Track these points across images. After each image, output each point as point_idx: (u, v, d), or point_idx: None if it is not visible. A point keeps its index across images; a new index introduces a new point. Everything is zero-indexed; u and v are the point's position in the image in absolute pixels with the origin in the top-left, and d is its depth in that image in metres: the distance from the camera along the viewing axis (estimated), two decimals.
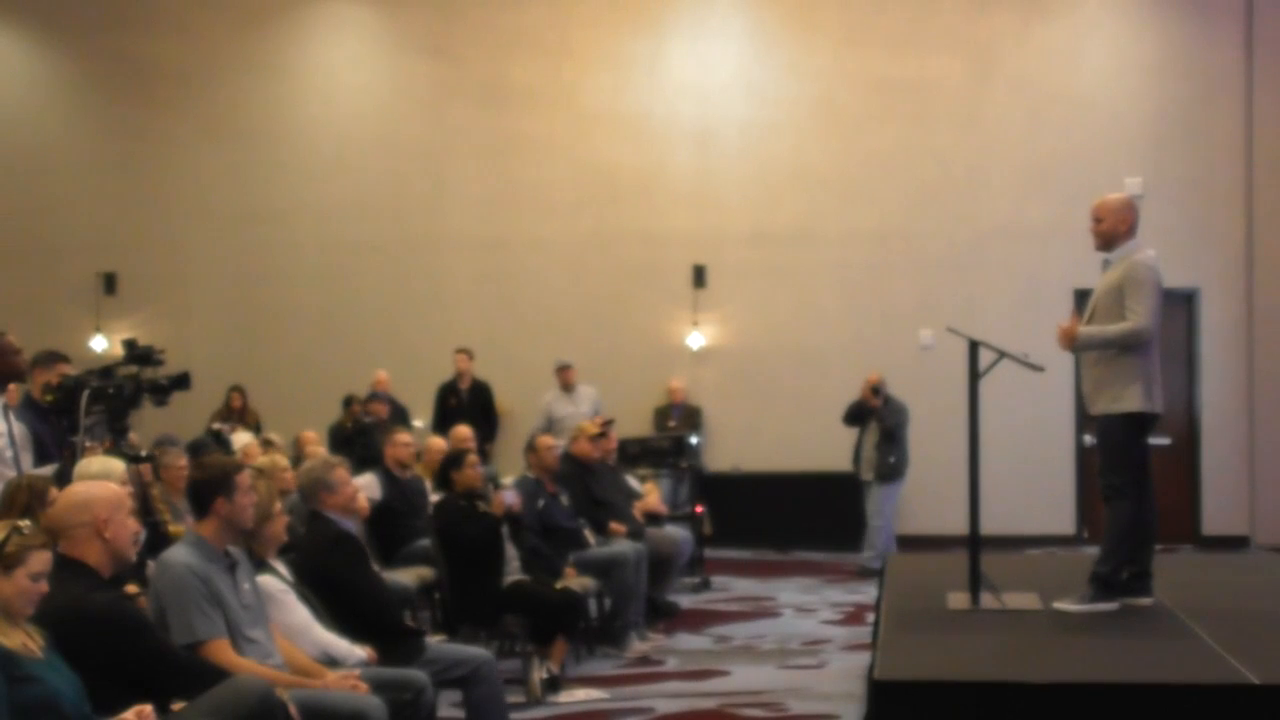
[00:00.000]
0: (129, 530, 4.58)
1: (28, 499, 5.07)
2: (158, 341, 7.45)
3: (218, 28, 15.57)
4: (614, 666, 8.65)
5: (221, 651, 4.87)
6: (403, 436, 9.55)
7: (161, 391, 6.57)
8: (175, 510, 6.90)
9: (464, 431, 10.64)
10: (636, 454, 12.32)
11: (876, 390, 12.51)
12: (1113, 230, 6.72)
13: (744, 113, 15.00)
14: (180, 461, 7.40)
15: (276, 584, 5.52)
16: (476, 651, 6.22)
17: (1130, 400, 6.52)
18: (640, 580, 9.33)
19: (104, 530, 4.46)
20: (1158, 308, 6.51)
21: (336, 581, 5.97)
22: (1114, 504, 6.64)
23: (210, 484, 5.17)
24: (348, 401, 13.55)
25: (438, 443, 10.26)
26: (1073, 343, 6.65)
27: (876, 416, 12.55)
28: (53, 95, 15.99)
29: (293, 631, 5.41)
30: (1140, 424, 6.60)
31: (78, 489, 4.65)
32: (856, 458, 12.75)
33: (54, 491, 5.07)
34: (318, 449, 9.87)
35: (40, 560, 4.05)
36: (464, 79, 15.33)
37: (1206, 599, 6.97)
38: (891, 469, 12.56)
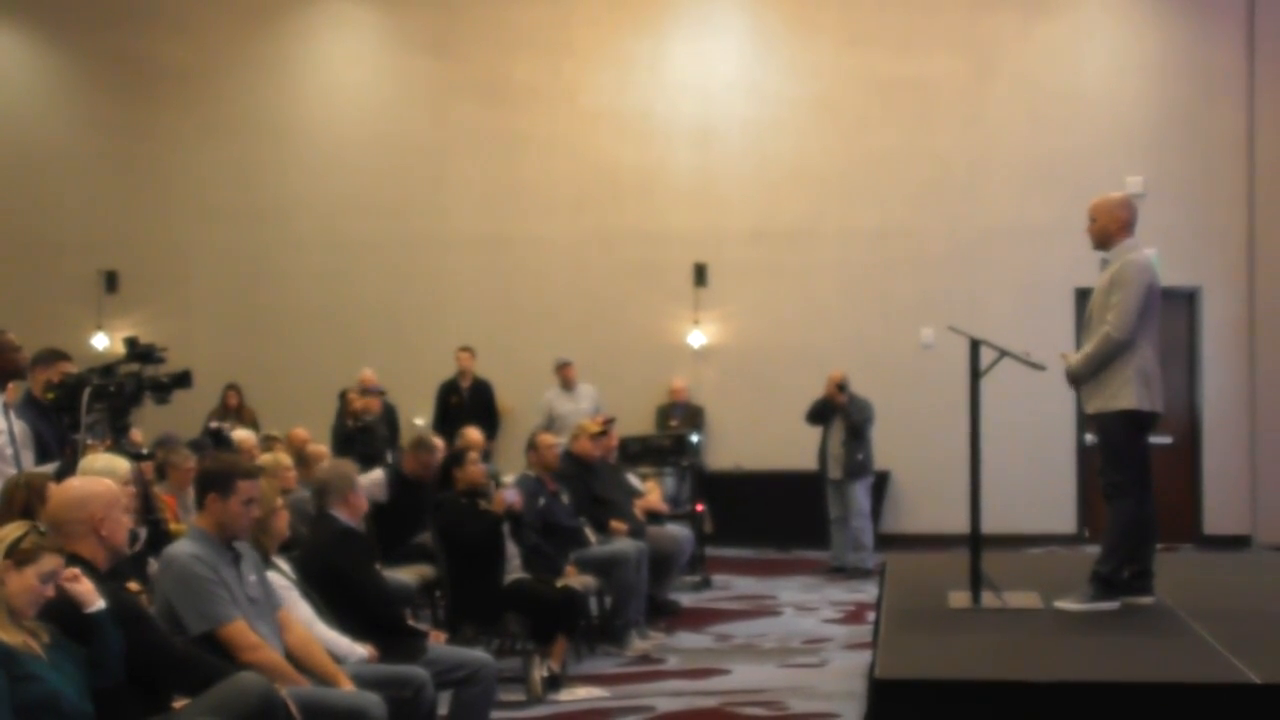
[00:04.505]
0: (124, 527, 4.60)
1: (26, 497, 5.07)
2: (159, 339, 7.43)
3: (219, 26, 15.57)
4: (615, 665, 8.66)
5: (242, 634, 4.88)
6: (425, 456, 9.33)
7: (163, 390, 6.57)
8: (184, 506, 6.89)
9: (474, 436, 10.43)
10: (637, 452, 12.31)
11: (842, 387, 12.49)
12: (1106, 229, 6.71)
13: (745, 111, 14.99)
14: (189, 463, 7.40)
15: (280, 580, 5.53)
16: (477, 655, 6.23)
17: (1125, 398, 6.51)
18: (641, 579, 9.33)
19: (100, 528, 4.48)
20: (1142, 308, 6.48)
21: (340, 578, 5.99)
22: (1115, 503, 6.64)
23: (207, 478, 5.21)
24: (343, 395, 13.54)
25: (435, 442, 10.16)
26: (1073, 378, 6.69)
27: (842, 414, 12.53)
28: (54, 93, 15.99)
29: None
30: (1140, 422, 6.59)
31: (74, 485, 4.66)
32: (822, 456, 12.72)
33: (52, 489, 5.06)
34: (319, 448, 9.84)
35: (51, 562, 4.07)
36: (465, 77, 15.32)
37: (1208, 598, 6.97)
38: (860, 466, 12.53)
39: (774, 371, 14.69)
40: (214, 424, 10.70)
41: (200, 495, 5.20)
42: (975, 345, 6.79)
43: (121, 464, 5.62)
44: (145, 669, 4.37)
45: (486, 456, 11.91)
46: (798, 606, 10.87)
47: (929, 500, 14.17)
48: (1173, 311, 13.08)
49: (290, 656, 5.09)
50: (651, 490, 11.08)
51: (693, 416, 14.60)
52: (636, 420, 13.96)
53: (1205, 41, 14.48)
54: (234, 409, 14.19)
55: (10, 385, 7.20)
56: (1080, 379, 6.67)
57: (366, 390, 13.23)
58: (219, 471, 5.22)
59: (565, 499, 9.43)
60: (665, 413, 14.67)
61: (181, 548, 5.06)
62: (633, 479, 11.00)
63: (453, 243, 15.23)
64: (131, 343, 6.77)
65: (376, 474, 9.06)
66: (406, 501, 9.08)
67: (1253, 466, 14.32)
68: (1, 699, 3.84)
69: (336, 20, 15.61)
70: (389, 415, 13.48)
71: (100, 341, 15.26)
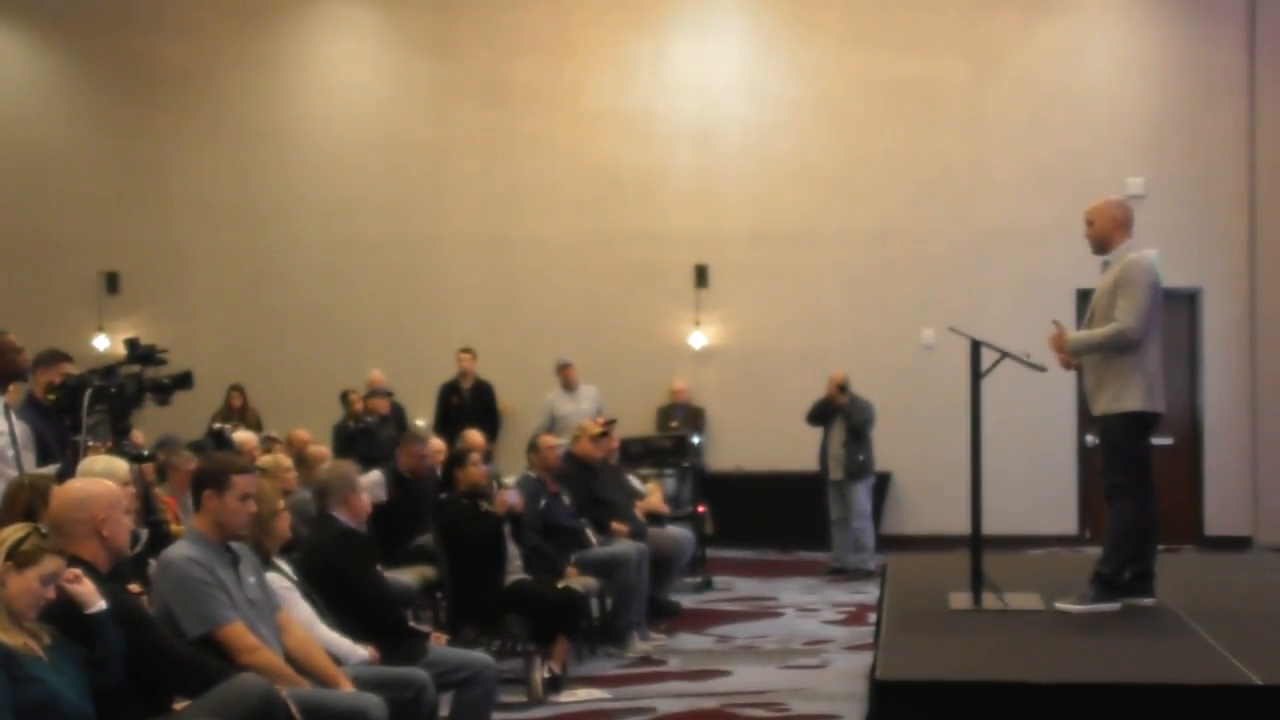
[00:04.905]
0: (126, 528, 4.59)
1: (30, 498, 5.07)
2: (160, 340, 7.44)
3: (220, 27, 15.57)
4: (616, 666, 8.66)
5: (240, 635, 4.87)
6: (416, 448, 9.40)
7: (164, 391, 6.57)
8: (185, 508, 6.89)
9: (475, 438, 10.46)
10: (638, 453, 12.32)
11: (843, 388, 12.49)
12: (1104, 231, 6.71)
13: (746, 112, 14.99)
14: (190, 465, 7.40)
15: (281, 581, 5.53)
16: (478, 656, 6.23)
17: (1130, 400, 6.51)
18: (642, 580, 9.33)
19: (102, 529, 4.48)
20: (1149, 307, 6.48)
21: (341, 579, 5.99)
22: (1117, 504, 6.64)
23: (203, 476, 5.20)
24: (344, 396, 13.57)
25: (437, 443, 10.22)
26: (1064, 351, 6.67)
27: (843, 415, 12.53)
28: (55, 94, 16.00)
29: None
30: (1142, 423, 6.59)
31: (75, 487, 4.66)
32: (823, 457, 12.73)
33: (54, 490, 5.06)
34: (320, 449, 9.84)
35: (52, 564, 4.07)
36: (466, 78, 15.33)
37: (1209, 599, 6.97)
38: (861, 467, 12.53)
39: (775, 372, 14.69)
40: (217, 425, 10.72)
41: (196, 494, 5.17)
42: (976, 346, 6.80)
43: (120, 465, 5.62)
44: (146, 670, 4.37)
45: (488, 458, 11.91)
46: (799, 608, 10.87)
47: (930, 501, 14.17)
48: (1174, 312, 13.06)
49: (290, 658, 5.09)
50: (652, 491, 11.07)
51: (693, 418, 14.60)
52: (637, 421, 13.96)
53: (1206, 42, 14.48)
54: (238, 410, 14.21)
55: (11, 386, 7.20)
56: (1072, 354, 6.65)
57: (375, 392, 13.25)
58: (214, 468, 5.22)
59: (566, 500, 9.44)
60: (666, 414, 14.67)
61: (178, 550, 5.04)
62: (634, 480, 11.00)
63: (453, 244, 15.23)
64: (132, 344, 6.77)
65: (374, 474, 9.06)
66: (406, 499, 9.10)
67: (1254, 467, 14.32)
68: (2, 700, 3.84)
69: (337, 22, 15.62)
70: (399, 417, 13.47)
71: (101, 343, 15.26)
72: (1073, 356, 6.69)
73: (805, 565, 13.07)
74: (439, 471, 9.43)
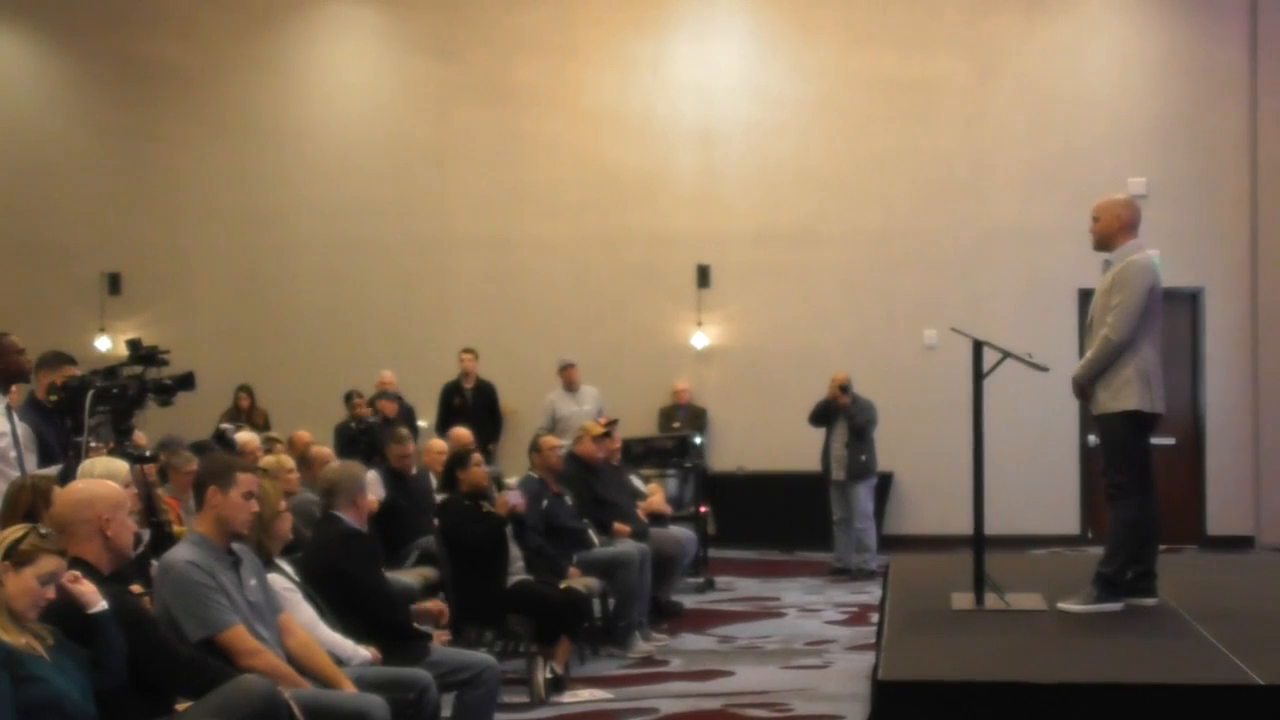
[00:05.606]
0: (129, 529, 4.60)
1: (31, 499, 5.07)
2: (162, 342, 7.45)
3: (223, 28, 15.58)
4: (618, 667, 8.66)
5: (241, 639, 4.86)
6: (397, 449, 9.46)
7: (166, 392, 6.57)
8: (187, 509, 6.90)
9: (463, 434, 10.54)
10: (641, 454, 12.32)
11: (845, 389, 12.49)
12: (1108, 229, 6.70)
13: (748, 113, 14.99)
14: (191, 465, 7.41)
15: (283, 582, 5.53)
16: (481, 657, 6.23)
17: (1128, 398, 6.50)
18: (644, 580, 9.34)
19: (106, 529, 4.48)
20: (1141, 310, 6.46)
21: (344, 580, 5.99)
22: (1118, 504, 6.63)
23: (207, 472, 5.20)
24: (348, 397, 13.58)
25: (437, 444, 10.25)
26: (1078, 385, 6.67)
27: (845, 415, 12.53)
28: (57, 95, 16.01)
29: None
30: (1141, 423, 6.59)
31: (79, 487, 4.67)
32: (825, 457, 12.72)
33: (57, 491, 5.07)
34: (323, 450, 9.85)
35: (50, 563, 4.07)
36: (468, 79, 15.33)
37: (1211, 599, 6.97)
38: (863, 467, 12.52)
39: (777, 373, 14.69)
40: (224, 426, 10.74)
41: (199, 492, 5.16)
42: (978, 346, 6.79)
43: (120, 467, 5.61)
44: (148, 671, 4.37)
45: (489, 458, 11.91)
46: (801, 608, 10.87)
47: (932, 501, 14.17)
48: (1175, 312, 13.08)
49: (292, 660, 5.09)
50: (654, 492, 11.07)
51: (696, 418, 14.60)
52: (639, 422, 13.96)
53: (1208, 41, 14.47)
54: (245, 411, 14.22)
55: (14, 387, 7.21)
56: (1084, 385, 6.65)
57: (385, 393, 13.27)
58: (218, 465, 5.23)
59: (568, 501, 9.44)
60: (668, 414, 14.67)
61: (178, 554, 5.02)
62: (636, 480, 11.00)
63: (456, 244, 15.24)
64: (134, 345, 6.78)
65: (371, 474, 9.08)
66: (403, 494, 9.17)
67: (1256, 467, 14.31)
68: (5, 700, 3.85)
69: (339, 23, 15.63)
70: (408, 419, 13.48)
71: (103, 344, 15.27)
72: (1085, 383, 6.65)
73: (807, 565, 13.07)
74: (432, 470, 9.50)
